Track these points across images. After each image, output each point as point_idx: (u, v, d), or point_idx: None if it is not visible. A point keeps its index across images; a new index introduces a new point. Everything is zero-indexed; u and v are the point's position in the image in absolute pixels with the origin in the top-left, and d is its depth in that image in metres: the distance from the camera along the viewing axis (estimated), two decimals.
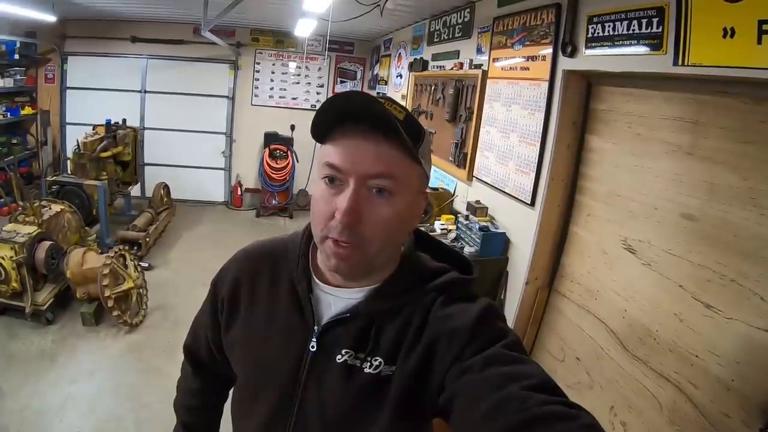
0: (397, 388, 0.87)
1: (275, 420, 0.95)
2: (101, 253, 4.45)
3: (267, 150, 7.79)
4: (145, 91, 7.91)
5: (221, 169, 8.46)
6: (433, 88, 4.89)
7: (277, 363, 0.96)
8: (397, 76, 6.57)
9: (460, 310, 0.89)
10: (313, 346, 0.93)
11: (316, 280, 0.98)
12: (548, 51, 3.01)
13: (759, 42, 1.71)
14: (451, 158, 4.36)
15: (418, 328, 0.89)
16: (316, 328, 0.94)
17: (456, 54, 4.53)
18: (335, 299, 0.96)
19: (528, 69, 3.25)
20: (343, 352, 0.91)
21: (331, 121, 0.85)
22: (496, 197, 3.62)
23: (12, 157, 6.89)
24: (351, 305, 0.94)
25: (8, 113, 6.87)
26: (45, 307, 4.04)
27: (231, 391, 1.18)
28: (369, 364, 0.89)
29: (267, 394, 0.97)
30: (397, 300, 0.93)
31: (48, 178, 5.59)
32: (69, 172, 5.92)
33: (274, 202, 7.97)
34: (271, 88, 8.28)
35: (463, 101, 4.21)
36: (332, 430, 0.91)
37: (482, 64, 3.95)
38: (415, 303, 0.92)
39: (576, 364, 2.93)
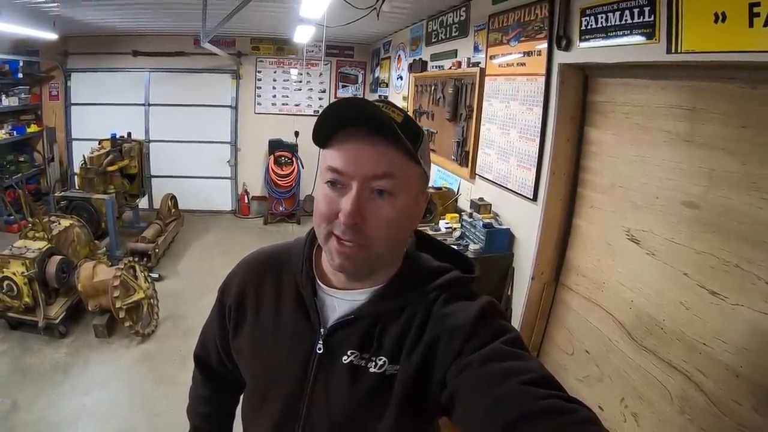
0: (400, 386, 0.88)
1: (284, 422, 0.97)
2: (111, 266, 4.49)
3: (272, 157, 7.82)
4: (149, 104, 7.98)
5: (227, 178, 8.51)
6: (433, 88, 4.90)
7: (285, 366, 0.98)
8: (397, 78, 6.59)
9: (461, 308, 0.90)
10: (319, 348, 0.94)
11: (320, 284, 1.00)
12: (543, 45, 3.01)
13: (751, 25, 1.71)
14: (453, 157, 4.37)
15: (420, 327, 0.91)
16: (322, 330, 0.95)
17: (454, 53, 4.54)
18: (339, 301, 0.97)
19: (524, 64, 3.25)
20: (348, 352, 0.92)
21: (331, 127, 0.87)
22: (499, 194, 3.62)
23: (20, 174, 6.97)
24: (355, 307, 0.95)
25: (14, 131, 6.95)
26: (57, 320, 4.09)
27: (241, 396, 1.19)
28: (374, 363, 0.91)
29: (276, 396, 0.98)
30: (400, 300, 0.94)
31: (56, 194, 5.66)
32: (77, 187, 5.99)
33: (281, 208, 7.99)
34: (274, 96, 8.32)
35: (462, 100, 4.21)
36: (340, 429, 0.93)
37: (480, 62, 3.95)
38: (418, 302, 0.93)
39: (585, 357, 2.92)
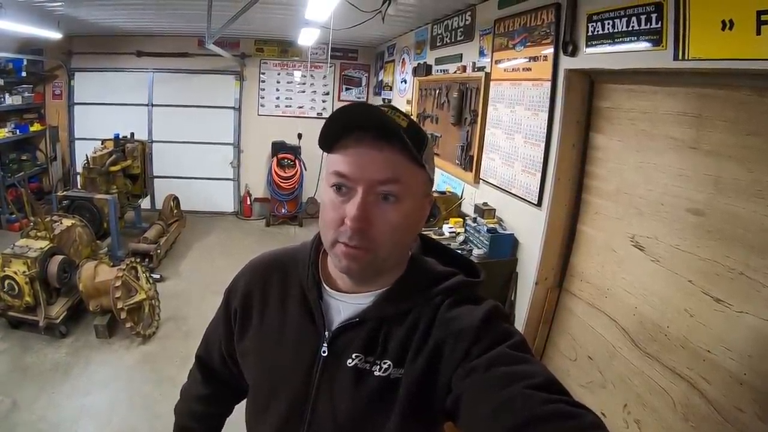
0: (405, 390, 0.87)
1: (288, 425, 0.96)
2: (113, 266, 4.48)
3: (275, 159, 7.83)
4: (152, 105, 7.99)
5: (230, 179, 8.52)
6: (437, 92, 4.90)
7: (290, 369, 0.97)
8: (401, 82, 6.59)
9: (466, 312, 0.90)
10: (324, 351, 0.94)
11: (326, 287, 1.00)
12: (549, 51, 3.01)
13: (758, 33, 1.71)
14: (457, 161, 4.37)
15: (426, 331, 0.90)
16: (326, 333, 0.95)
17: (459, 57, 4.55)
18: (344, 305, 0.97)
19: (530, 69, 3.25)
20: (353, 356, 0.92)
21: (338, 131, 0.87)
22: (503, 199, 3.62)
23: (22, 173, 6.97)
24: (360, 310, 0.95)
25: (17, 130, 6.96)
26: (58, 320, 4.08)
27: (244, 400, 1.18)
28: (378, 367, 0.91)
29: (281, 399, 0.98)
30: (405, 303, 0.94)
31: (58, 193, 5.66)
32: (79, 186, 6.00)
33: (283, 210, 7.99)
34: (277, 98, 8.33)
35: (467, 104, 4.22)
36: None
37: (485, 67, 3.95)
38: (423, 306, 0.93)
39: (588, 363, 2.92)
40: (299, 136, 8.04)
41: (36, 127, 7.40)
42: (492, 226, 3.45)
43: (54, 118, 7.76)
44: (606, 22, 2.52)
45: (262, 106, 8.32)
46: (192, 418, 1.31)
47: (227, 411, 1.34)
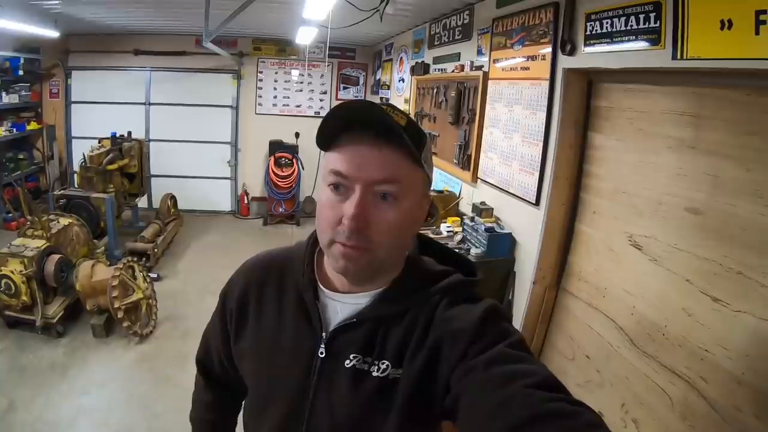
0: (404, 390, 0.87)
1: (287, 426, 0.96)
2: (110, 265, 4.48)
3: (272, 158, 7.81)
4: (150, 103, 7.97)
5: (227, 178, 8.51)
6: (435, 91, 4.90)
7: (287, 370, 0.97)
8: (399, 81, 6.58)
9: (464, 311, 0.89)
10: (321, 353, 0.94)
11: (322, 288, 0.99)
12: (548, 50, 3.01)
13: (757, 32, 1.71)
14: (455, 160, 4.36)
15: (424, 331, 0.90)
16: (324, 334, 0.95)
17: (457, 56, 4.54)
18: (342, 305, 0.97)
19: (528, 69, 3.25)
20: (351, 356, 0.92)
21: (336, 129, 0.86)
22: (501, 198, 3.62)
23: (19, 172, 6.97)
24: (357, 310, 0.95)
25: (14, 129, 6.93)
26: (55, 319, 4.07)
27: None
28: (377, 367, 0.90)
29: (278, 401, 0.98)
30: (403, 303, 0.94)
31: (55, 192, 5.63)
32: (76, 185, 6.00)
33: (281, 210, 7.98)
34: (275, 97, 8.32)
35: (465, 103, 4.21)
36: None
37: (483, 66, 3.95)
38: (420, 306, 0.93)
39: (586, 363, 2.92)
40: (297, 135, 8.03)
41: (33, 125, 7.38)
42: (490, 225, 3.45)
43: (51, 116, 7.74)
44: (604, 21, 2.51)
45: (260, 105, 8.31)
46: (205, 427, 1.30)
47: (236, 412, 1.32)
